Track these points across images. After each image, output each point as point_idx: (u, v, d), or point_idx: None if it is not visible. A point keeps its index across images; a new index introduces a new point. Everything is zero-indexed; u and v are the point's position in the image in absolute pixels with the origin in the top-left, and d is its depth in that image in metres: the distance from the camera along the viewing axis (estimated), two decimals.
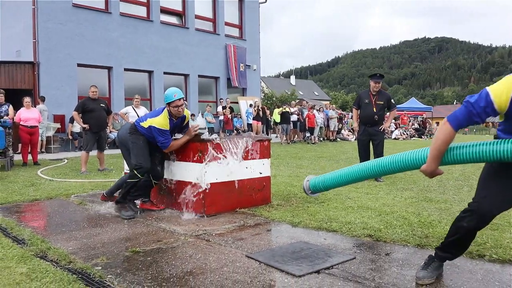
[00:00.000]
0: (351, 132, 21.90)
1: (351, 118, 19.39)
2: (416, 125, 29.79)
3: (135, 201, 5.07)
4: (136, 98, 10.56)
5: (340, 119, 23.22)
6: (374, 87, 7.58)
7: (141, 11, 18.27)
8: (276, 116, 19.64)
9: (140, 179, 4.85)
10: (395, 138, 24.69)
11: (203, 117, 17.84)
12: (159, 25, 18.64)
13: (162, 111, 4.91)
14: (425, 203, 5.38)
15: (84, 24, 16.24)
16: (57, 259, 3.29)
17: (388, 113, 8.00)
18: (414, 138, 26.22)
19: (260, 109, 19.77)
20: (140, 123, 4.96)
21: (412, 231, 3.99)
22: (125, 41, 17.39)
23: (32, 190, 6.69)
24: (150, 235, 4.07)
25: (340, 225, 4.26)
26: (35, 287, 2.71)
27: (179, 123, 5.05)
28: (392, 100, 7.73)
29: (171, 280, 2.89)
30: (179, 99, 4.79)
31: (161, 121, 4.82)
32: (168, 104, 4.80)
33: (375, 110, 7.50)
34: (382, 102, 7.56)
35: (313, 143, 18.97)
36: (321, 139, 21.04)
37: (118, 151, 7.90)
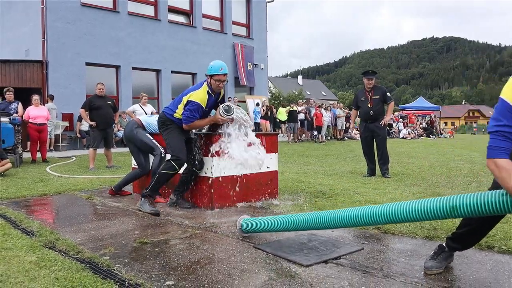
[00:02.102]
0: (358, 130, 21.82)
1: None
2: (424, 124, 29.59)
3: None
4: (144, 95, 10.61)
5: (347, 118, 23.12)
6: (368, 83, 7.72)
7: (149, 10, 18.36)
8: (281, 115, 19.64)
9: (177, 172, 4.62)
10: (403, 137, 24.55)
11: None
12: (167, 24, 18.71)
13: (202, 85, 4.66)
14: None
15: (92, 23, 16.34)
16: (65, 249, 3.30)
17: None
18: (422, 137, 26.05)
19: (269, 108, 19.78)
20: (174, 114, 4.67)
21: (420, 223, 3.95)
22: (133, 40, 17.48)
23: (41, 185, 6.74)
24: (158, 227, 4.09)
25: None
26: (44, 275, 2.72)
27: (214, 101, 4.76)
28: (388, 94, 7.84)
29: (179, 269, 2.90)
30: (224, 74, 4.56)
31: (201, 96, 4.55)
32: (211, 76, 4.54)
33: (370, 106, 7.63)
34: (378, 97, 7.68)
35: (320, 142, 18.93)
36: (329, 138, 21.00)
37: (126, 149, 7.94)
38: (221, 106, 4.63)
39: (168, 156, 4.84)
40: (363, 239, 3.59)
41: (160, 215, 4.63)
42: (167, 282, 2.65)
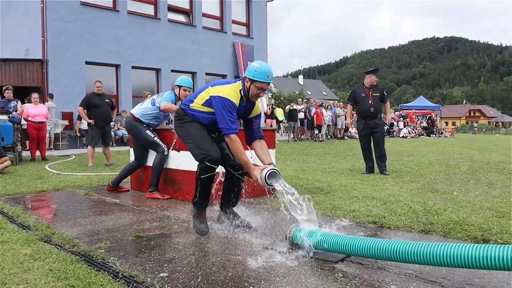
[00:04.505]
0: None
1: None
2: (424, 123, 29.55)
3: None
4: (148, 94, 10.57)
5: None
6: (375, 81, 7.73)
7: (149, 9, 18.34)
8: (279, 115, 19.65)
9: (214, 171, 3.52)
10: (403, 137, 24.53)
11: None
12: (167, 23, 18.69)
13: (236, 81, 3.64)
14: (431, 193, 5.34)
15: (92, 22, 16.34)
16: (61, 243, 3.31)
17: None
18: (422, 136, 26.03)
19: (275, 108, 19.75)
20: (191, 104, 3.67)
21: (417, 218, 3.96)
22: (132, 39, 17.46)
23: (39, 182, 6.74)
24: (154, 222, 4.09)
25: (344, 213, 4.24)
26: (38, 267, 2.73)
27: (244, 111, 3.66)
28: (385, 92, 7.87)
29: (173, 261, 2.90)
30: (269, 83, 3.55)
31: (230, 92, 3.47)
32: (252, 80, 3.47)
33: (371, 103, 7.63)
34: (378, 94, 7.71)
35: (320, 141, 18.92)
36: (329, 137, 20.98)
37: (126, 147, 7.96)
38: (266, 170, 3.33)
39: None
40: (359, 232, 3.59)
41: (158, 211, 4.64)
42: (161, 274, 2.65)
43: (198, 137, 3.59)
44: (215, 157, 3.47)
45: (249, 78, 3.49)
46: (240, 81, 3.60)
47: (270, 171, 3.32)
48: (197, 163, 3.59)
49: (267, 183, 3.30)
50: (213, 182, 3.65)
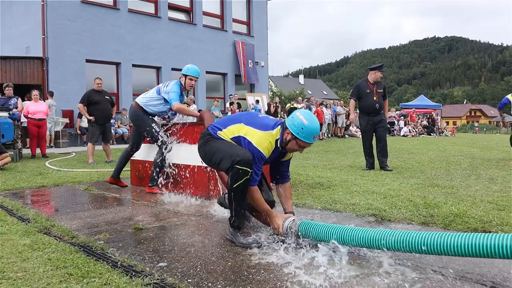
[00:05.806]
0: (358, 128, 21.76)
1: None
2: (425, 122, 29.50)
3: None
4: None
5: (348, 116, 23.08)
6: (379, 77, 7.73)
7: (149, 7, 18.34)
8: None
9: (248, 174, 2.97)
10: (404, 135, 24.50)
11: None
12: (167, 22, 18.69)
13: (274, 127, 3.21)
14: (432, 188, 5.33)
15: (92, 20, 16.34)
16: (60, 235, 3.30)
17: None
18: (423, 135, 26.00)
19: (278, 106, 19.72)
20: (218, 131, 3.30)
21: (417, 211, 3.95)
22: (133, 37, 17.46)
23: (39, 178, 6.74)
24: (154, 215, 4.08)
25: (344, 206, 4.24)
26: (37, 256, 2.72)
27: (276, 155, 3.30)
28: (385, 89, 7.92)
29: (172, 252, 2.89)
30: (311, 144, 3.20)
31: (265, 143, 3.11)
32: (296, 137, 3.08)
33: (375, 99, 7.64)
34: (381, 91, 7.74)
35: (320, 139, 18.90)
36: (329, 135, 20.97)
37: (126, 145, 7.93)
38: (289, 220, 3.13)
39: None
40: (359, 225, 3.57)
41: (157, 205, 4.63)
42: (160, 264, 2.64)
43: (223, 146, 3.17)
44: (245, 157, 2.97)
45: (291, 133, 3.10)
46: (280, 126, 3.20)
47: (292, 221, 3.11)
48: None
49: (290, 233, 3.08)
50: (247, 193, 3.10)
